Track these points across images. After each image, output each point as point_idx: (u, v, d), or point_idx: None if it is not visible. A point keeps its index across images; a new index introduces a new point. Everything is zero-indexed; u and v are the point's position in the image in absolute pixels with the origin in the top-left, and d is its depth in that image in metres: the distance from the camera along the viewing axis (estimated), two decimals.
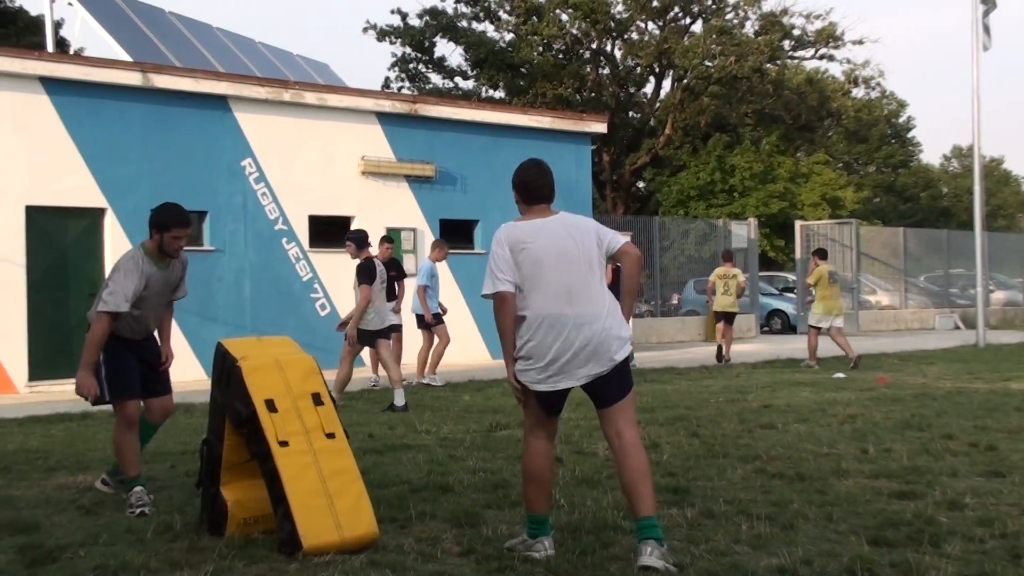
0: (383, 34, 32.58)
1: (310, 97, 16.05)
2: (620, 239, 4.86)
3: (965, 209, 55.10)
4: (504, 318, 4.76)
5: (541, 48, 32.48)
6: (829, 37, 32.88)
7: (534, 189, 4.90)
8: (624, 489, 4.74)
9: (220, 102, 15.13)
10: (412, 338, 13.45)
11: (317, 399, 5.22)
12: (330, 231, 16.02)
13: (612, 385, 4.76)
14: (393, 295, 12.87)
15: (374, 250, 11.55)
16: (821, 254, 15.74)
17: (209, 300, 14.70)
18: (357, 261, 10.50)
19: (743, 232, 24.43)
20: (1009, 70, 59.25)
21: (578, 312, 4.71)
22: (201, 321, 14.08)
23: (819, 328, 15.14)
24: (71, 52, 20.20)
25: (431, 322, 13.07)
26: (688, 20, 33.63)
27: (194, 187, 14.74)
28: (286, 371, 5.23)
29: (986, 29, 20.58)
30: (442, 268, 17.17)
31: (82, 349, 5.83)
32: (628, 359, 4.81)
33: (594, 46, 33.41)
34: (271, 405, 5.07)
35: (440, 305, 13.36)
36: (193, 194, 14.77)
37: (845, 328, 15.74)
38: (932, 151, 77.92)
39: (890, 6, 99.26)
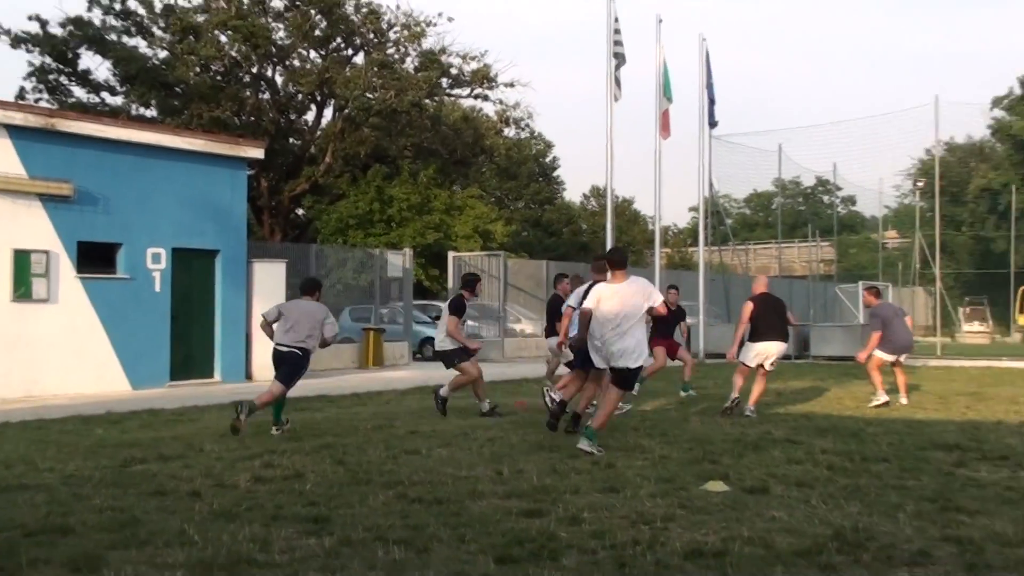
0: (18, 41, 30.02)
1: None
2: (657, 300, 9.48)
3: (601, 244, 59.35)
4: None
5: (198, 68, 31.38)
6: (484, 78, 34.35)
7: (615, 263, 9.61)
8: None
9: None
10: None
11: None
12: None
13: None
14: None
15: None
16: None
17: None
18: None
19: (399, 261, 24.88)
20: (639, 120, 65.02)
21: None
22: None
23: None
24: None
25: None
26: (350, 51, 33.86)
27: None
28: None
29: (617, 82, 22.52)
30: (81, 294, 16.12)
31: None
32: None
33: (254, 70, 32.78)
34: None
35: None
36: None
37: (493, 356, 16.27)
38: (574, 190, 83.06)
39: (539, 52, 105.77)
